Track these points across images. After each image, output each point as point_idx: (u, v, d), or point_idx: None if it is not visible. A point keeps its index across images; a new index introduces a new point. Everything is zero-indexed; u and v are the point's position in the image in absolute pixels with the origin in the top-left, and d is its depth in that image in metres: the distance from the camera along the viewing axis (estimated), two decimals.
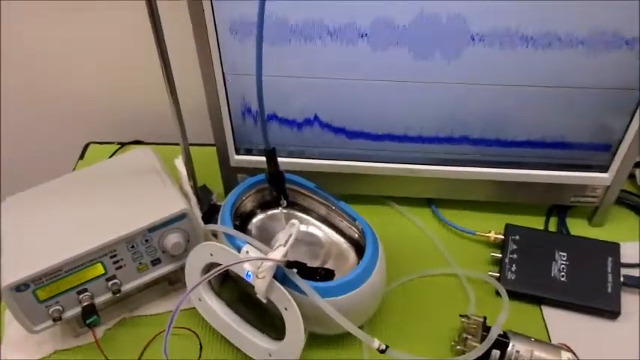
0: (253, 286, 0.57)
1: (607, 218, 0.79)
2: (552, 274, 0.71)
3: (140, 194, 0.67)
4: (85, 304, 0.62)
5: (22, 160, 1.08)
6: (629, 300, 0.69)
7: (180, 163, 0.75)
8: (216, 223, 0.65)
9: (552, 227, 0.80)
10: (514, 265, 0.72)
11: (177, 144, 0.71)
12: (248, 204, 0.71)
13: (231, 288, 0.70)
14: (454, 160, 0.75)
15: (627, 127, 0.69)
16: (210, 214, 0.68)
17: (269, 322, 0.64)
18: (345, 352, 0.66)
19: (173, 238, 0.64)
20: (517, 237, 0.75)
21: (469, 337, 0.62)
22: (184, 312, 0.68)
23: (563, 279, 0.70)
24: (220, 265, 0.58)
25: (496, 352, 0.61)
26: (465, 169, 0.75)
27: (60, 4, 0.87)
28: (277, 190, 0.69)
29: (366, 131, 0.73)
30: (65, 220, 0.64)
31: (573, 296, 0.69)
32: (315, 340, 0.65)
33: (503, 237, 0.75)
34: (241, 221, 0.70)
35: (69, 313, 0.62)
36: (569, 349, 0.62)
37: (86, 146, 0.95)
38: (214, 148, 0.76)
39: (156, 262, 0.66)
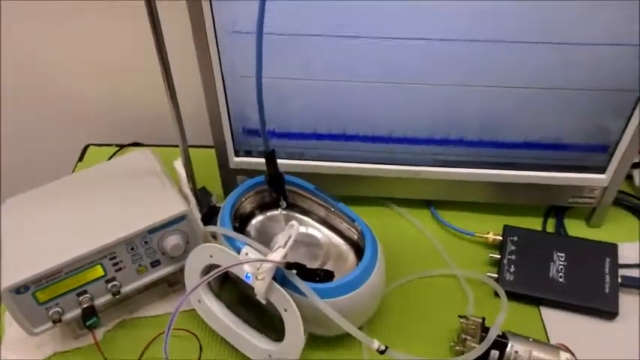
0: (253, 288, 0.57)
1: (604, 219, 0.80)
2: (550, 275, 0.71)
3: (139, 196, 0.67)
4: (85, 305, 0.62)
5: (21, 162, 1.08)
6: (627, 300, 0.69)
7: (179, 165, 0.75)
8: (215, 224, 0.65)
9: (550, 228, 0.80)
10: (512, 266, 0.72)
11: (176, 146, 0.71)
12: (247, 205, 0.71)
13: (231, 289, 0.70)
14: (453, 162, 0.75)
15: (624, 128, 0.69)
16: (209, 215, 0.68)
17: (268, 323, 0.64)
18: (344, 352, 0.66)
19: (172, 240, 0.64)
20: (515, 238, 0.75)
21: (468, 337, 0.63)
22: (184, 313, 0.68)
23: (561, 280, 0.71)
24: (220, 266, 0.59)
25: (495, 353, 0.61)
26: (464, 170, 0.75)
27: (60, 5, 0.87)
28: (277, 191, 0.69)
29: (365, 133, 0.73)
30: (65, 222, 0.64)
31: (571, 297, 0.69)
32: (314, 341, 0.65)
33: (501, 238, 0.75)
34: (240, 223, 0.70)
35: (69, 315, 0.62)
36: (567, 350, 0.62)
37: (85, 148, 0.95)
38: (213, 150, 0.76)
39: (155, 264, 0.66)
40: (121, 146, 0.95)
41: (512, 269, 0.72)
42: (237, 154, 0.76)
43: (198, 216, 0.70)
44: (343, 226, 0.70)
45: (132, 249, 0.63)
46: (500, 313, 0.62)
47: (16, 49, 0.93)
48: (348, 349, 0.66)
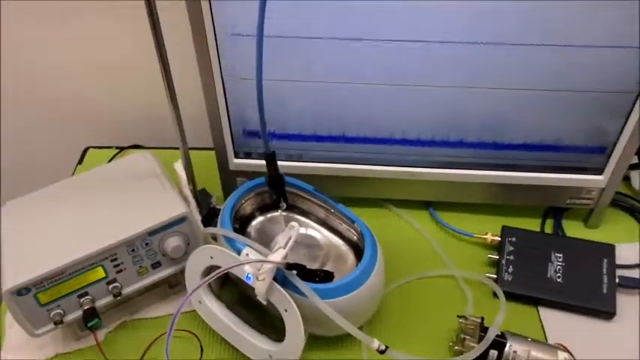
0: (253, 288, 0.58)
1: (602, 220, 0.80)
2: (549, 276, 0.71)
3: (140, 198, 0.67)
4: (86, 307, 0.62)
5: (21, 164, 1.08)
6: (625, 301, 0.70)
7: (179, 167, 0.76)
8: (215, 226, 0.65)
9: (548, 229, 0.81)
10: (511, 266, 0.72)
11: (176, 148, 0.71)
12: (247, 207, 0.71)
13: (231, 290, 0.70)
14: (452, 163, 0.75)
15: (622, 129, 0.69)
16: (209, 217, 0.68)
17: (269, 323, 0.64)
18: (344, 353, 0.66)
19: (173, 242, 0.64)
20: (514, 239, 0.75)
21: (467, 337, 0.63)
22: (184, 314, 0.68)
23: (559, 280, 0.71)
24: (220, 267, 0.59)
25: (494, 353, 0.61)
26: (463, 171, 0.75)
27: (60, 5, 0.87)
28: (277, 193, 0.69)
29: (364, 135, 0.74)
30: (66, 224, 0.64)
31: (569, 297, 0.70)
32: (314, 341, 0.65)
33: (500, 239, 0.76)
34: (241, 224, 0.70)
35: (70, 317, 0.62)
36: (565, 349, 0.62)
37: (85, 150, 0.95)
38: (213, 152, 0.76)
39: (156, 266, 0.66)
40: (121, 148, 0.95)
41: (510, 270, 0.72)
42: (237, 156, 0.77)
43: (198, 217, 0.70)
44: (343, 227, 0.70)
45: (133, 251, 0.63)
46: (499, 313, 0.62)
47: (16, 49, 0.93)
48: (348, 349, 0.66)
